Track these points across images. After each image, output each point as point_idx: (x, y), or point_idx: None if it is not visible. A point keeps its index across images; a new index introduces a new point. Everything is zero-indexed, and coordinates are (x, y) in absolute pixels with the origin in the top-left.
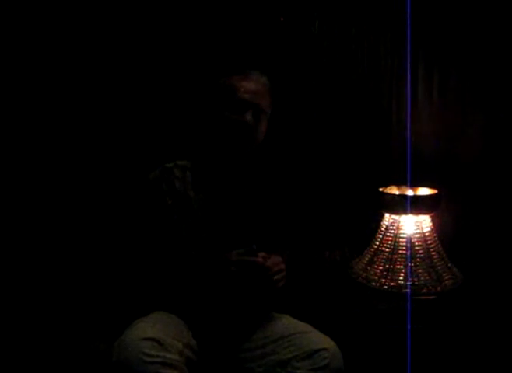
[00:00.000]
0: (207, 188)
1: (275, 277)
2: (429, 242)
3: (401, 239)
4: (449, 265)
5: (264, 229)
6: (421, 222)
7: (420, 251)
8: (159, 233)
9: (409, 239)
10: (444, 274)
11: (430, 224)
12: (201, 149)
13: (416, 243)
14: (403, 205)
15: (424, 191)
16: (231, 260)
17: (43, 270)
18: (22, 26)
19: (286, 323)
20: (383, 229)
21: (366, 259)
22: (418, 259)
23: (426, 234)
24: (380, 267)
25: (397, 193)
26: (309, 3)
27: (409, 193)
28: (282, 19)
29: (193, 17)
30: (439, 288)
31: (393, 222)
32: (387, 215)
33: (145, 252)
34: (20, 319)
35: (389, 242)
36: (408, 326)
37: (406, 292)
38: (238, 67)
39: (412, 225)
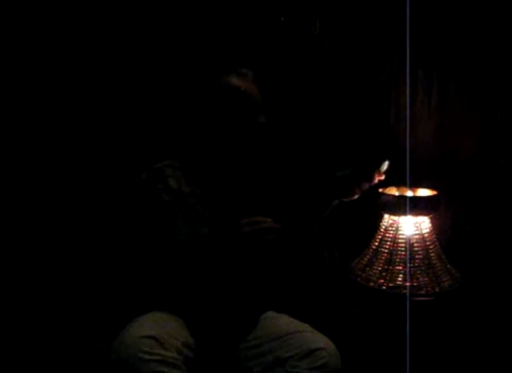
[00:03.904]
0: (201, 182)
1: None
2: (428, 243)
3: (400, 240)
4: (448, 266)
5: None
6: (420, 223)
7: (419, 252)
8: (157, 230)
9: (408, 240)
10: (443, 275)
11: (429, 225)
12: (192, 148)
13: (415, 244)
14: (402, 206)
15: (423, 192)
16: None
17: (42, 270)
18: (22, 26)
19: (284, 322)
20: (382, 230)
21: (365, 259)
22: (417, 261)
23: (425, 235)
24: (379, 268)
25: (396, 194)
26: (310, 3)
27: (409, 194)
28: (282, 19)
29: (193, 17)
30: (437, 289)
31: (392, 223)
32: (386, 216)
33: (144, 249)
34: (20, 318)
35: (388, 243)
36: (407, 327)
37: (405, 293)
38: (233, 67)
39: (411, 226)
